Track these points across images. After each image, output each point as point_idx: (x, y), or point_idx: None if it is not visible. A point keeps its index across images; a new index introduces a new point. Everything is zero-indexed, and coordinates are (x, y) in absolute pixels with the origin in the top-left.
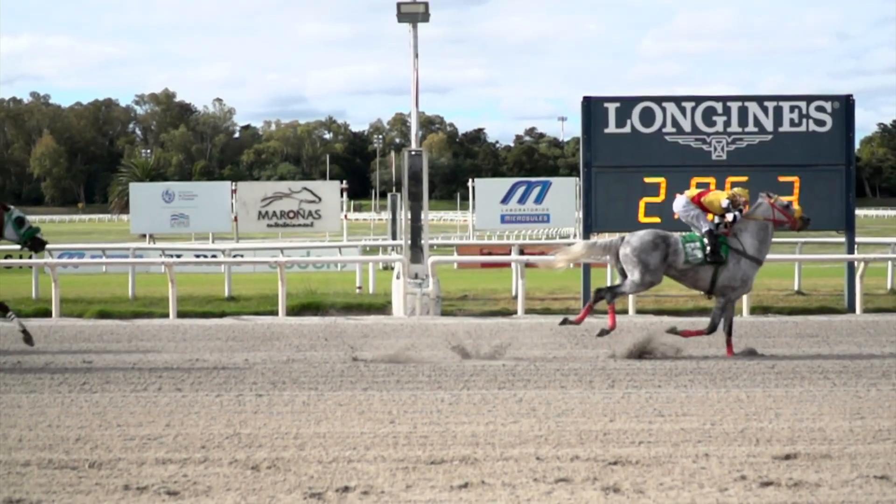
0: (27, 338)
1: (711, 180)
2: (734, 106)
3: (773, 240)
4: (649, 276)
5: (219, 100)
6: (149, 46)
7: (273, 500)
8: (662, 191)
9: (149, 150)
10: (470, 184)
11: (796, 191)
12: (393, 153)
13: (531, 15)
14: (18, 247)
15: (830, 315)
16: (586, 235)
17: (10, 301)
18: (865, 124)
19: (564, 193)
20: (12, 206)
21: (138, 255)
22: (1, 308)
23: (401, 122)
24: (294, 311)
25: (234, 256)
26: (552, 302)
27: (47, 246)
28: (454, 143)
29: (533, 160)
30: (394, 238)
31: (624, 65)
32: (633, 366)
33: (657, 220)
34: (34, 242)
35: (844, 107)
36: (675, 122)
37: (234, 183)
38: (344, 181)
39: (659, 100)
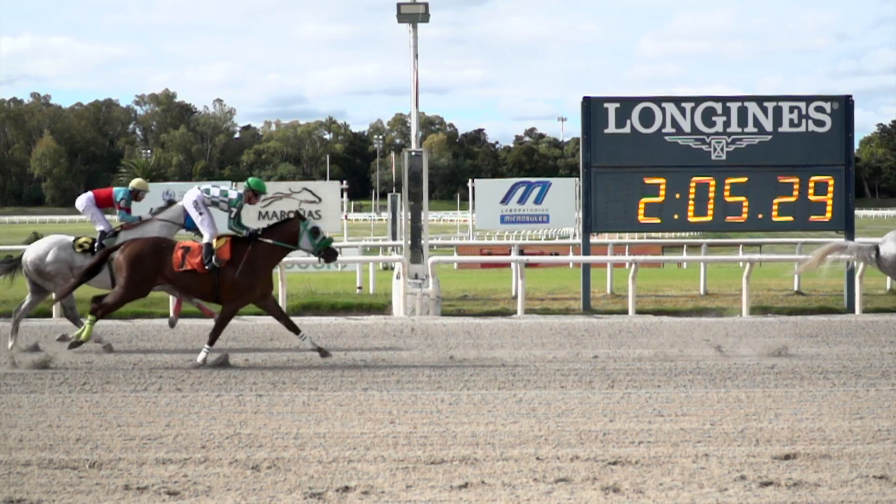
0: (323, 353)
1: (711, 180)
2: (734, 106)
3: (771, 240)
4: None
5: (219, 100)
6: (149, 47)
7: (273, 499)
8: (662, 191)
9: (149, 151)
10: (470, 184)
11: (796, 191)
12: (393, 154)
13: (530, 16)
14: (314, 257)
15: (830, 315)
16: (586, 236)
17: (10, 302)
18: (865, 125)
19: (564, 194)
20: (308, 218)
21: None
22: (292, 329)
23: (401, 122)
24: (294, 311)
25: None
26: (552, 302)
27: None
28: (454, 143)
29: (533, 160)
30: (394, 238)
31: (623, 65)
32: (632, 366)
33: (657, 220)
34: (328, 253)
35: (844, 107)
36: (674, 123)
37: (234, 183)
38: (344, 181)
39: (658, 100)
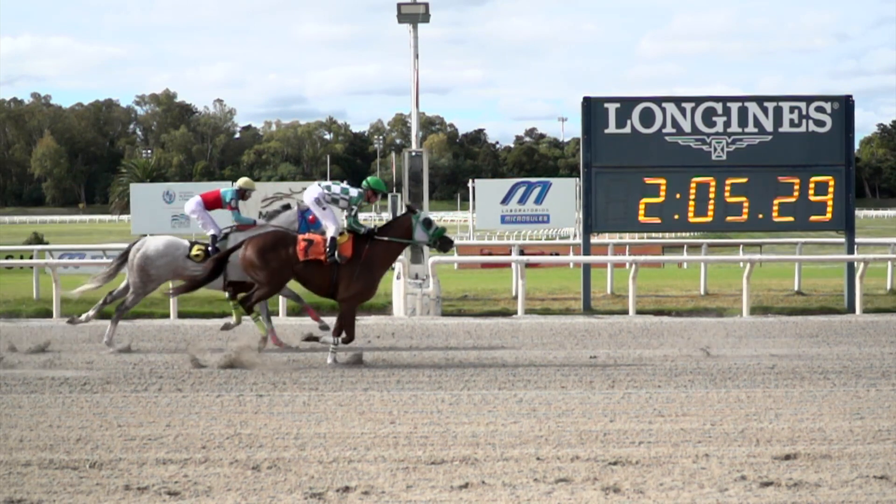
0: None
1: (711, 181)
2: (734, 106)
3: (772, 240)
4: None
5: (219, 100)
6: (149, 47)
7: (274, 500)
8: (662, 191)
9: (149, 151)
10: (470, 184)
11: (796, 191)
12: (393, 154)
13: (530, 16)
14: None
15: (830, 315)
16: (586, 236)
17: (10, 301)
18: (865, 125)
19: (564, 194)
20: (419, 210)
21: None
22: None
23: (401, 122)
24: (295, 311)
25: None
26: (552, 302)
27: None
28: (454, 143)
29: (533, 160)
30: None
31: (623, 65)
32: (633, 366)
33: (657, 220)
34: (443, 242)
35: (844, 107)
36: (674, 123)
37: (234, 183)
38: (345, 181)
39: (659, 100)
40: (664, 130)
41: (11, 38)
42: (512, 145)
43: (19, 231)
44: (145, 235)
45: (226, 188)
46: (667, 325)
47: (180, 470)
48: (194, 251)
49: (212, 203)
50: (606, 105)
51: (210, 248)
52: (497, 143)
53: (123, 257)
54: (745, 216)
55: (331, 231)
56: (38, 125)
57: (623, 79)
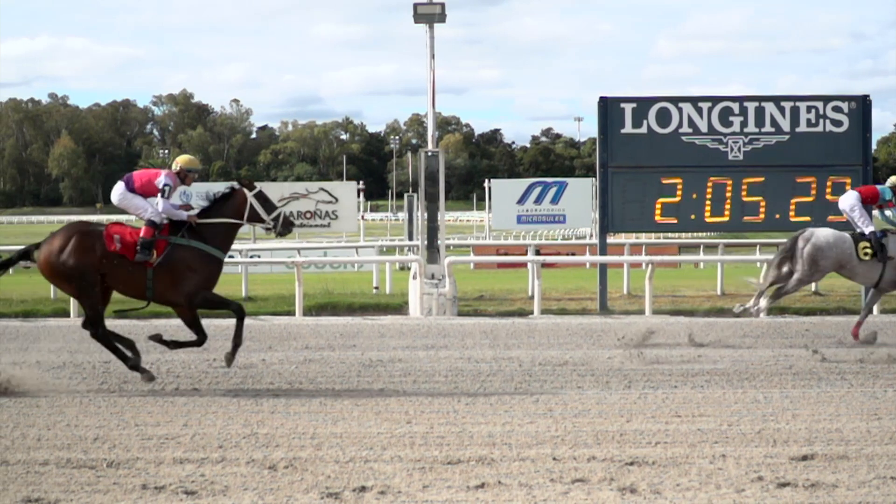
0: None
1: (728, 181)
2: (751, 106)
3: (783, 240)
4: None
5: (236, 101)
6: (165, 47)
7: (290, 499)
8: (679, 191)
9: (166, 151)
10: (486, 184)
11: (813, 191)
12: (409, 154)
13: (545, 16)
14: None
15: (848, 316)
16: (602, 236)
17: (28, 301)
18: (882, 124)
19: (581, 194)
20: None
21: None
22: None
23: (417, 122)
24: (311, 311)
25: (252, 257)
26: (568, 302)
27: None
28: (470, 143)
29: (549, 160)
30: (410, 238)
31: (638, 65)
32: (649, 366)
33: (674, 220)
34: None
35: (861, 107)
36: (691, 123)
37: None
38: (361, 182)
39: (675, 100)
40: (681, 130)
41: (29, 38)
42: (528, 145)
43: (37, 231)
44: (810, 227)
45: (882, 186)
46: (683, 325)
47: (197, 469)
48: (862, 248)
49: (870, 199)
50: (623, 105)
51: (875, 247)
52: (513, 142)
53: (790, 248)
54: (762, 216)
55: None
56: (56, 125)
57: (638, 79)
